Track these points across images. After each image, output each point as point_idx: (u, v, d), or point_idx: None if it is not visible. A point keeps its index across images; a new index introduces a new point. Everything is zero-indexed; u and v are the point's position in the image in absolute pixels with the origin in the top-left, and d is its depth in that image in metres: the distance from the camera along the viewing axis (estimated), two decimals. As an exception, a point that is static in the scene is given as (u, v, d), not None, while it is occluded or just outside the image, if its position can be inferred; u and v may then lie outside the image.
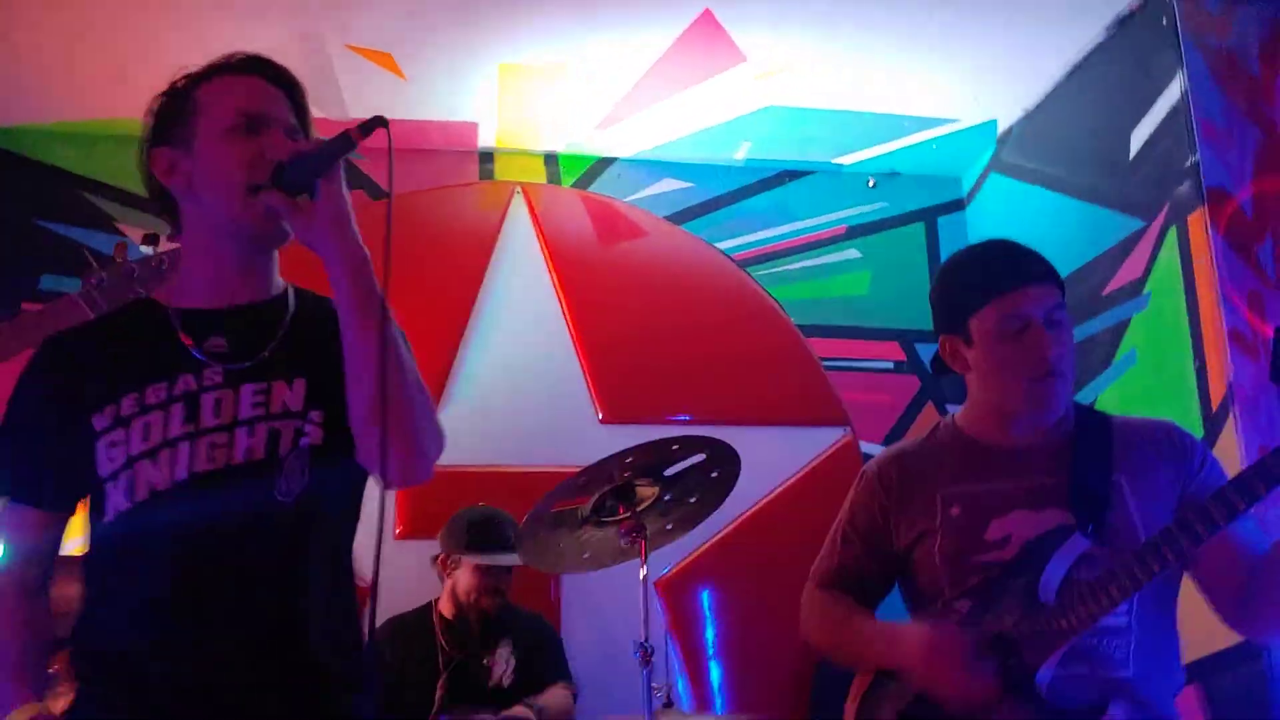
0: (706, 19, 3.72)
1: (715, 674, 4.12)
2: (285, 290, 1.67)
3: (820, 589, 2.14)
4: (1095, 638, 1.79)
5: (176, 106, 1.60)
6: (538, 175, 4.60)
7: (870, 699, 1.96)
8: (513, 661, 3.41)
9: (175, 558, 1.48)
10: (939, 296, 2.06)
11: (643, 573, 2.70)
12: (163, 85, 4.32)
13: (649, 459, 2.70)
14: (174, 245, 2.07)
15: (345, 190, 1.51)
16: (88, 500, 1.57)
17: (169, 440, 1.49)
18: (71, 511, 1.60)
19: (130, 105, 4.02)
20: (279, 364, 1.56)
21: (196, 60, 3.98)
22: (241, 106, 1.56)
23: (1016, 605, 1.82)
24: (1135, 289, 3.68)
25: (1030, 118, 4.36)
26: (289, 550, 1.52)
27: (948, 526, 1.94)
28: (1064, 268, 3.88)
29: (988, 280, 1.94)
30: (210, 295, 1.59)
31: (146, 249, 2.14)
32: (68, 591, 1.87)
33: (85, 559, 1.57)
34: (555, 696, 3.37)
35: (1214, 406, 3.29)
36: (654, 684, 2.75)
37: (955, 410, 2.12)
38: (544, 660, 3.53)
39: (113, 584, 1.53)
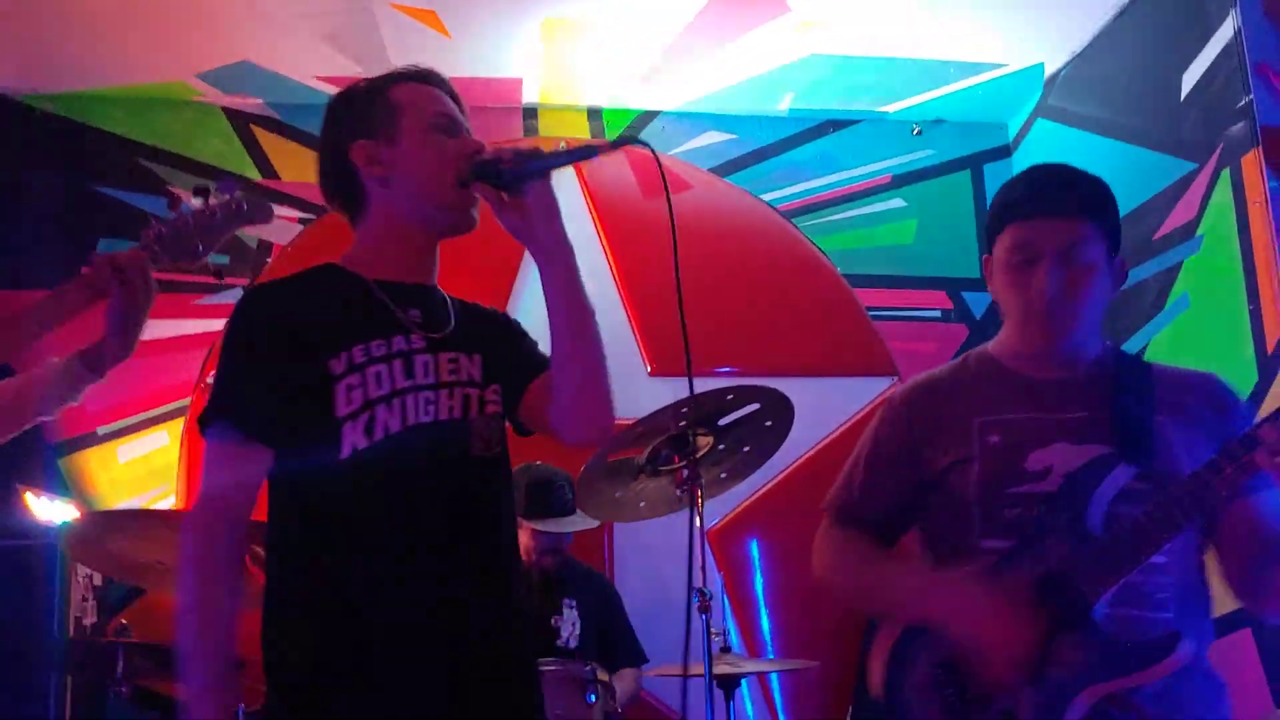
0: (749, -32, 3.71)
1: (765, 622, 4.18)
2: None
3: (837, 525, 2.00)
4: (1140, 575, 1.72)
5: (373, 104, 1.77)
6: (582, 130, 4.61)
7: (900, 654, 1.83)
8: (579, 624, 3.47)
9: (406, 492, 1.65)
10: (988, 214, 1.99)
11: (698, 521, 2.74)
12: (212, 49, 4.38)
13: (704, 408, 2.73)
14: (225, 197, 2.11)
15: (554, 193, 1.67)
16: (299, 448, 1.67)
17: (397, 390, 1.66)
18: (276, 451, 1.67)
19: (180, 69, 4.18)
20: (461, 340, 1.76)
21: (245, 26, 4.02)
22: (443, 110, 1.76)
23: (1062, 542, 1.74)
24: (1188, 232, 3.65)
25: (1078, 61, 4.31)
26: (487, 498, 1.74)
27: (986, 454, 1.83)
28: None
29: (1009, 205, 1.87)
30: (400, 273, 1.76)
31: (197, 202, 2.17)
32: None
33: (291, 504, 1.67)
34: (627, 681, 3.43)
35: (1269, 350, 3.27)
36: (712, 629, 2.80)
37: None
38: (610, 626, 3.59)
39: (344, 522, 1.65)
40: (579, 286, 1.71)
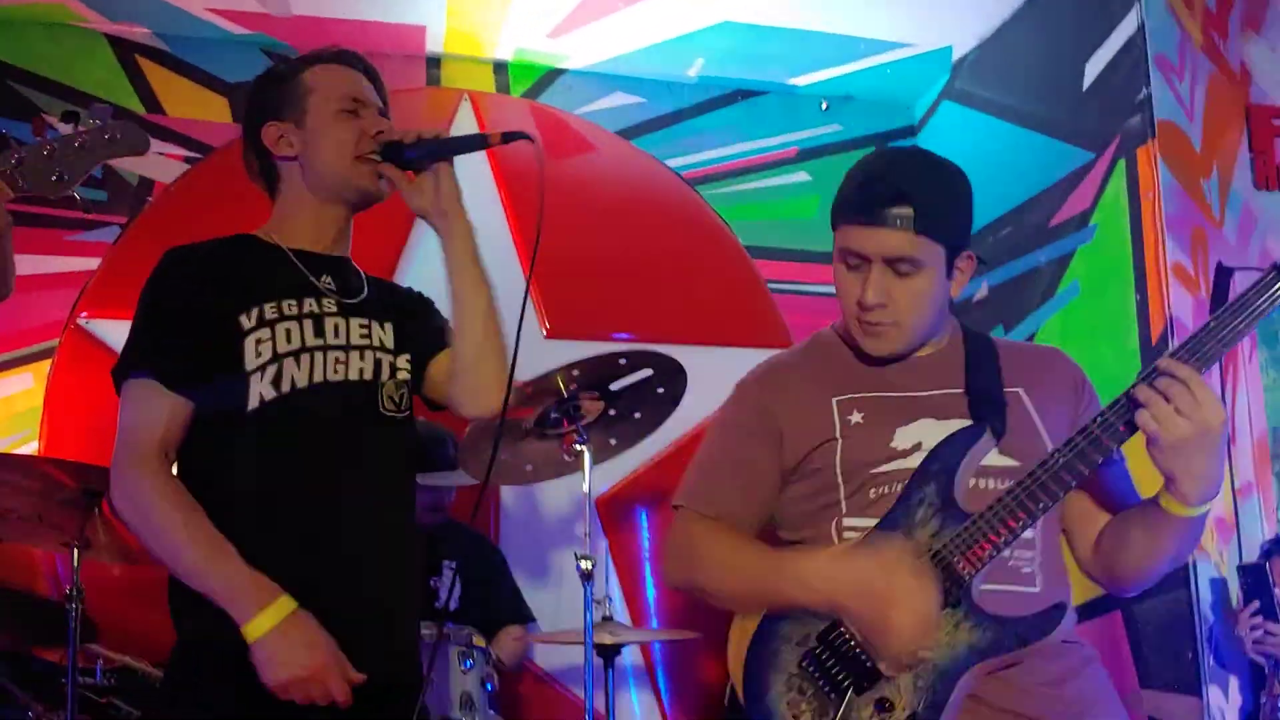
0: (665, -74, 3.63)
1: (650, 592, 4.16)
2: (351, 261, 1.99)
3: (700, 521, 1.86)
4: (1008, 550, 1.70)
5: (285, 87, 1.91)
6: (486, 84, 4.49)
7: (763, 647, 1.76)
8: (458, 586, 3.39)
9: (313, 451, 1.76)
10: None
11: (585, 487, 2.69)
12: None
13: (595, 372, 2.68)
14: (96, 123, 1.98)
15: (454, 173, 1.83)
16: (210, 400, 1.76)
17: (306, 347, 1.77)
18: (193, 401, 1.75)
19: (58, -9, 3.93)
20: (373, 308, 1.88)
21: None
22: (349, 92, 1.89)
23: (930, 515, 1.71)
24: (1082, 221, 3.70)
25: (985, 46, 4.34)
26: (393, 453, 1.85)
27: (850, 434, 1.79)
28: (1014, 198, 3.99)
29: (845, 203, 1.80)
30: (312, 243, 1.89)
31: (66, 127, 2.03)
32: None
33: (202, 455, 1.75)
34: (510, 642, 3.36)
35: (1154, 339, 3.34)
36: (595, 598, 2.76)
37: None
38: (493, 586, 3.52)
39: (246, 475, 1.74)
40: (479, 264, 1.84)
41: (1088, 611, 1.91)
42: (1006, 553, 1.71)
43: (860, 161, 1.89)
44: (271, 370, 1.75)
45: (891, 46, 4.41)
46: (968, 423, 1.77)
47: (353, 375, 1.81)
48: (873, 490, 1.76)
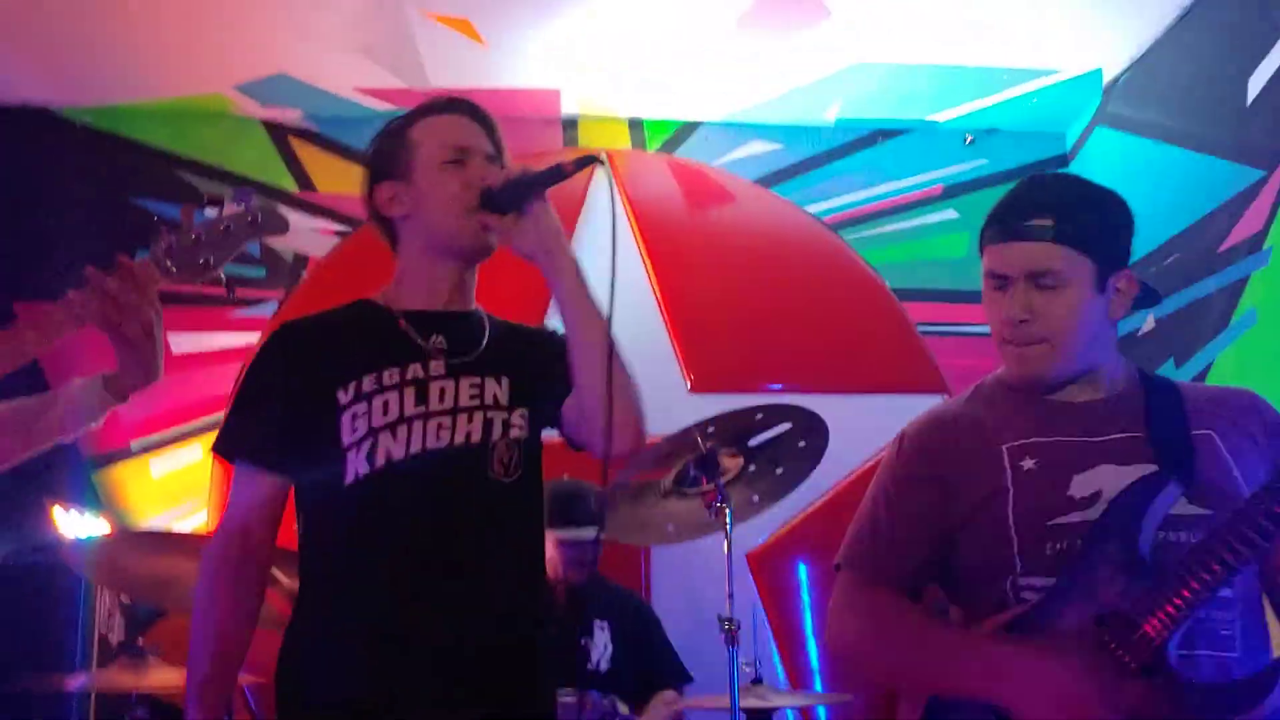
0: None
1: (812, 652, 4.03)
2: (478, 308, 1.91)
3: (863, 586, 1.77)
4: (1205, 610, 1.55)
5: (393, 145, 1.86)
6: (622, 140, 4.53)
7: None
8: (610, 647, 3.35)
9: (405, 524, 1.69)
10: None
11: (726, 546, 2.62)
12: (249, 59, 4.42)
13: (732, 428, 2.62)
14: (238, 208, 2.06)
15: (552, 211, 1.74)
16: (310, 476, 1.75)
17: (404, 417, 1.70)
18: (294, 480, 1.76)
19: (218, 81, 4.16)
20: (488, 363, 1.79)
21: (282, 38, 4.03)
22: (452, 142, 1.81)
23: (1114, 572, 1.56)
24: (1255, 244, 3.46)
25: (1138, 66, 4.13)
26: (503, 521, 1.74)
27: (1021, 482, 1.66)
28: (1179, 223, 3.77)
29: (987, 226, 1.77)
30: (427, 302, 1.83)
31: (211, 212, 2.12)
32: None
33: (311, 531, 1.76)
34: (661, 708, 3.30)
35: (1342, 368, 3.08)
36: (743, 660, 2.67)
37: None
38: (648, 646, 3.45)
39: (345, 551, 1.71)
40: (589, 300, 1.73)
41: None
42: (1204, 614, 1.56)
43: (1012, 187, 1.83)
44: (366, 445, 1.70)
45: (1037, 74, 4.25)
46: (1150, 468, 1.62)
47: (459, 440, 1.73)
48: (1049, 545, 1.63)
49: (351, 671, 1.67)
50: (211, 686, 1.70)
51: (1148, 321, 3.97)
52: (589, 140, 4.50)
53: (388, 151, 1.88)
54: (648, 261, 4.26)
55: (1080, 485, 1.64)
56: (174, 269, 2.03)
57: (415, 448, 1.70)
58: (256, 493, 1.76)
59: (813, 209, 4.48)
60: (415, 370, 1.75)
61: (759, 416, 2.60)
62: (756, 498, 2.84)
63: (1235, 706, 1.50)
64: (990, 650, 1.61)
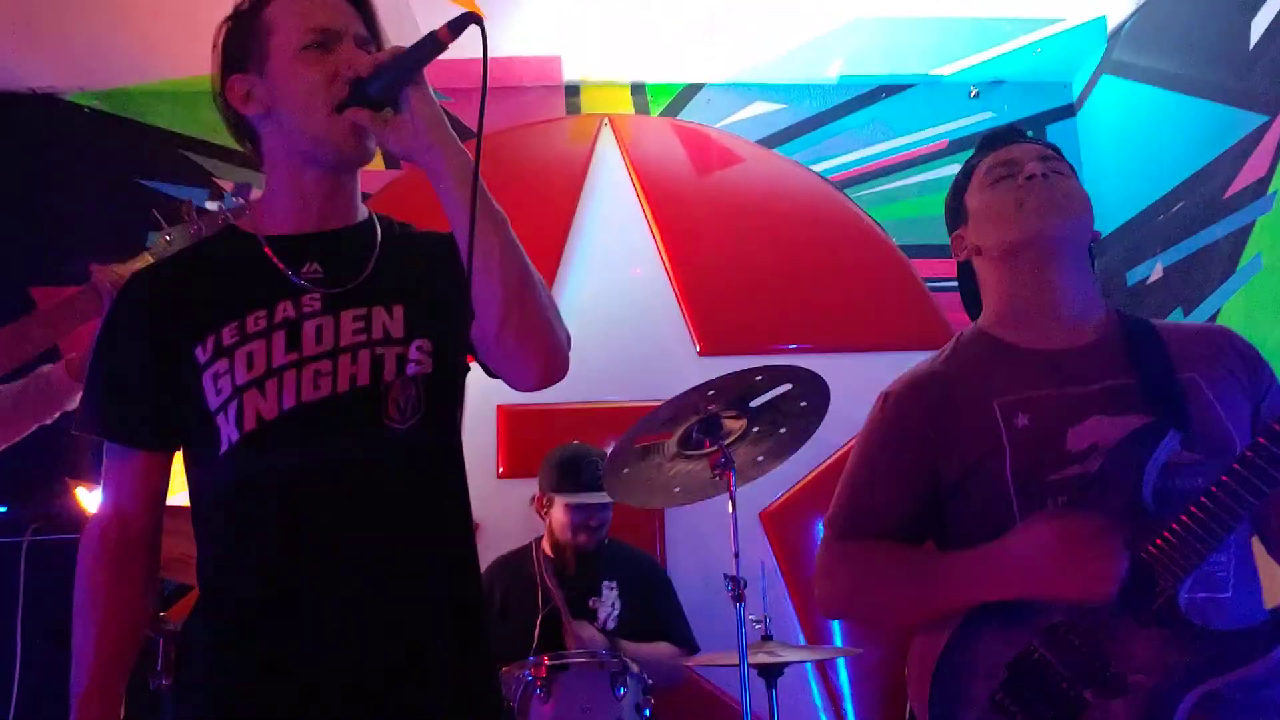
0: (786, -70, 3.56)
1: (828, 605, 4.06)
2: (370, 216, 1.63)
3: (853, 537, 1.75)
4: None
5: (245, 30, 1.56)
6: (625, 106, 4.52)
7: (948, 680, 1.61)
8: (618, 605, 3.38)
9: (290, 489, 1.44)
10: (948, 201, 1.94)
11: (730, 507, 2.65)
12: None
13: (733, 391, 2.64)
14: (239, 201, 2.11)
15: (433, 99, 1.46)
16: (188, 443, 1.53)
17: (273, 369, 1.45)
18: (172, 452, 1.55)
19: (220, 60, 4.16)
20: (376, 290, 1.53)
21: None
22: (311, 23, 1.51)
23: (1120, 523, 1.54)
24: (1259, 189, 3.43)
25: (1142, 12, 4.09)
26: (408, 481, 1.48)
27: (1017, 439, 1.64)
28: (1183, 170, 3.75)
29: (979, 150, 1.88)
30: (299, 221, 1.56)
31: (213, 205, 2.18)
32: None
33: (194, 504, 1.52)
34: (656, 649, 3.34)
35: (1348, 312, 3.06)
36: (752, 616, 2.71)
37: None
38: (654, 608, 3.49)
39: (226, 523, 1.47)
40: (484, 197, 1.45)
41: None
42: None
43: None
44: (233, 408, 1.44)
45: (1040, 24, 4.21)
46: (1141, 419, 1.62)
47: (342, 386, 1.45)
48: (1049, 501, 1.62)
49: (231, 687, 1.44)
50: (94, 701, 1.46)
51: (1155, 270, 3.95)
52: (591, 106, 4.49)
53: (238, 36, 1.56)
54: (654, 226, 4.28)
55: (1075, 438, 1.63)
56: None
57: (289, 402, 1.43)
58: (126, 472, 1.52)
59: (818, 168, 4.47)
60: (285, 309, 1.48)
61: (759, 378, 2.62)
62: (761, 458, 2.86)
63: (1250, 653, 1.50)
64: (988, 549, 1.61)
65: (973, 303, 1.90)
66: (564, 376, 1.53)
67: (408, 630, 1.45)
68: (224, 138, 4.48)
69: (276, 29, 1.52)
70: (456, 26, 1.40)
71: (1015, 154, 1.79)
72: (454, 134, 1.47)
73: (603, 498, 3.19)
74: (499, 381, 1.57)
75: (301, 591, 1.43)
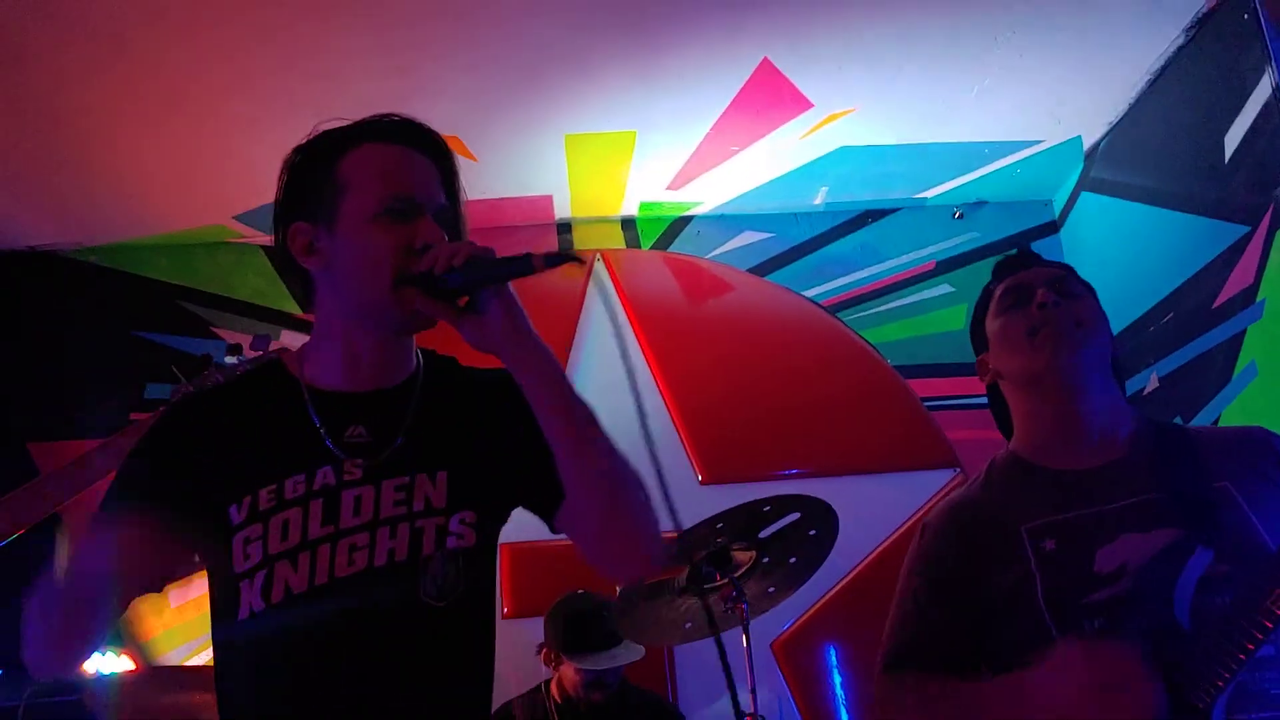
0: (766, 69, 3.67)
1: (847, 730, 3.97)
2: (418, 364, 1.55)
3: (909, 673, 1.74)
4: (1247, 672, 1.51)
5: (317, 179, 1.46)
6: (617, 240, 4.59)
7: None
8: None
9: (312, 664, 1.37)
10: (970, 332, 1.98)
11: (745, 640, 2.61)
12: (247, 191, 4.47)
13: (741, 522, 2.62)
14: (257, 354, 2.14)
15: (515, 296, 1.41)
16: (214, 602, 1.45)
17: (308, 542, 1.39)
18: (157, 579, 1.47)
19: (217, 213, 4.24)
20: (420, 454, 1.45)
21: (278, 166, 4.10)
22: (393, 190, 1.44)
23: (1156, 646, 1.52)
24: (1248, 298, 3.48)
25: (1117, 131, 4.20)
26: (438, 654, 1.41)
27: (1045, 564, 1.65)
28: (1169, 283, 3.81)
29: (995, 275, 1.90)
30: (347, 379, 1.49)
31: (232, 359, 2.20)
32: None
33: (217, 666, 1.44)
34: None
35: (1347, 415, 3.07)
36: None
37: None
38: None
39: (243, 694, 1.41)
40: (569, 397, 1.40)
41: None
42: (1246, 676, 1.53)
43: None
44: (261, 577, 1.37)
45: (1019, 146, 4.32)
46: (1174, 533, 1.61)
47: (379, 561, 1.38)
48: (1088, 624, 1.61)
49: None
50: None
51: (1151, 380, 3.98)
52: (583, 242, 4.57)
53: (309, 182, 1.48)
54: (649, 357, 4.30)
55: (1104, 559, 1.63)
56: None
57: (321, 578, 1.37)
58: (117, 533, 1.40)
59: (809, 293, 4.53)
60: (325, 475, 1.41)
61: (767, 509, 2.61)
62: (772, 589, 2.83)
63: None
64: (1017, 677, 1.58)
65: (1004, 423, 1.91)
66: (653, 572, 1.52)
67: None
68: (220, 286, 4.55)
69: (352, 189, 1.45)
70: (552, 261, 1.37)
71: (1027, 279, 1.82)
72: (536, 337, 1.41)
73: (616, 658, 3.13)
74: None
75: None
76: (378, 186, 1.44)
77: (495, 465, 1.46)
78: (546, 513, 1.47)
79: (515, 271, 1.38)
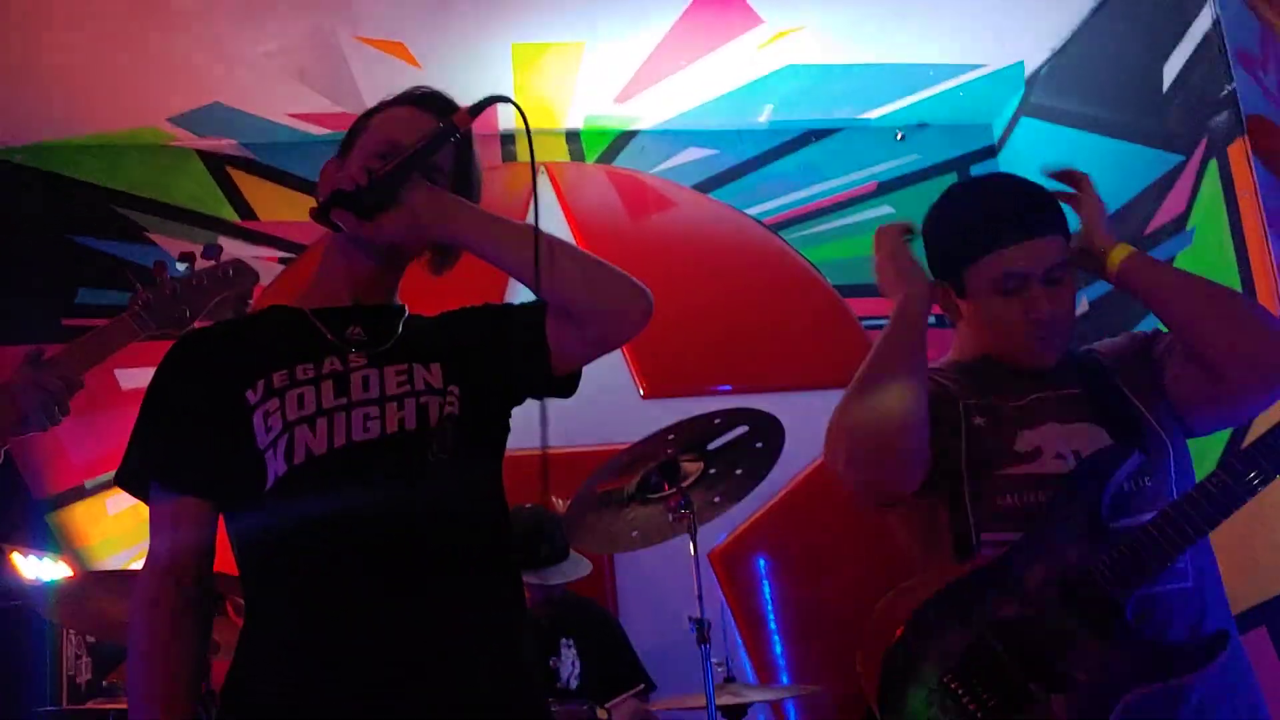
0: (719, -18, 3.66)
1: (777, 645, 4.10)
2: (401, 305, 1.71)
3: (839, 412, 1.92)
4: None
5: (355, 128, 1.68)
6: (561, 153, 4.57)
7: (900, 661, 1.73)
8: (578, 664, 3.36)
9: (342, 523, 1.46)
10: (935, 239, 1.91)
11: (692, 549, 2.68)
12: (182, 92, 4.36)
13: (692, 434, 2.67)
14: (209, 262, 2.13)
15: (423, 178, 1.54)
16: (233, 493, 1.54)
17: (323, 410, 1.50)
18: (223, 501, 1.55)
19: (151, 114, 4.13)
20: (414, 350, 1.60)
21: (214, 68, 3.99)
22: (386, 135, 1.61)
23: (1079, 534, 1.67)
24: (1178, 225, 3.59)
25: (1058, 57, 4.26)
26: (457, 506, 1.52)
27: (972, 437, 1.80)
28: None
29: (989, 231, 1.81)
30: (341, 296, 1.64)
31: (183, 267, 2.18)
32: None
33: (242, 552, 1.54)
34: (627, 707, 3.32)
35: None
36: (714, 659, 2.73)
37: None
38: (612, 659, 3.47)
39: (277, 562, 1.49)
40: (511, 224, 1.57)
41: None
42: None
43: (967, 191, 1.98)
44: (283, 442, 1.48)
45: (962, 69, 4.37)
46: (1090, 427, 1.77)
47: (390, 429, 1.50)
48: (1003, 498, 1.76)
49: (292, 702, 1.44)
50: None
51: (1081, 304, 4.09)
52: (526, 154, 4.51)
53: (350, 133, 1.69)
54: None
55: (1024, 440, 1.78)
56: (154, 324, 2.09)
57: (339, 440, 1.48)
58: (178, 521, 1.53)
59: (752, 211, 4.56)
60: (332, 363, 1.55)
61: (717, 421, 2.66)
62: (718, 499, 2.90)
63: (1184, 667, 1.61)
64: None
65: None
66: (643, 326, 1.67)
67: (455, 650, 1.48)
68: (155, 191, 4.45)
69: (364, 133, 1.64)
70: (475, 110, 1.50)
71: (1030, 264, 1.78)
72: (460, 200, 1.55)
73: (563, 573, 3.19)
74: None
75: (347, 622, 1.45)
76: (376, 134, 1.62)
77: (475, 354, 1.61)
78: (539, 350, 1.60)
79: (437, 144, 1.50)
